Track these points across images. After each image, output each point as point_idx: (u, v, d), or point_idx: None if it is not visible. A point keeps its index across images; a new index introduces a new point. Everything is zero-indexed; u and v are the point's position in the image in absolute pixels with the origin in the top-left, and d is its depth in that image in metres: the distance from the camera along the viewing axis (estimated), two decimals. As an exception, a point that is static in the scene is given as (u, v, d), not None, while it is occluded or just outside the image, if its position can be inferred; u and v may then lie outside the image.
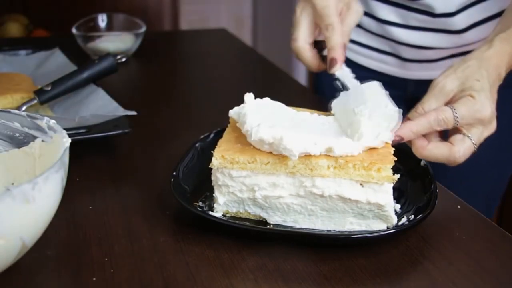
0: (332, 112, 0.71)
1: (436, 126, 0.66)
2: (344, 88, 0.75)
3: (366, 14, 1.00)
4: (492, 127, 0.68)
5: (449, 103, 0.68)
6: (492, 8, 0.92)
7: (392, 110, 0.69)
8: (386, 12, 0.98)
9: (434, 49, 0.97)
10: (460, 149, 0.66)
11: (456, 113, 0.66)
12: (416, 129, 0.66)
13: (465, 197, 0.72)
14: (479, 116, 0.66)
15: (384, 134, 0.64)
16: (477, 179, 1.01)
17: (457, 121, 0.66)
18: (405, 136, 0.66)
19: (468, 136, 0.67)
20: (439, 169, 0.71)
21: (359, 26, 1.03)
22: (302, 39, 0.79)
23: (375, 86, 0.75)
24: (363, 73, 1.04)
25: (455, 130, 0.68)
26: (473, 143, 0.67)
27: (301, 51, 0.79)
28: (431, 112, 0.67)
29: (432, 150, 0.66)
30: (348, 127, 0.66)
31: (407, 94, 1.05)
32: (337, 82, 0.77)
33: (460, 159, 0.66)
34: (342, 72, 0.77)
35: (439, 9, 0.91)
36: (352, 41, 1.05)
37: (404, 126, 0.66)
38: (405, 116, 0.69)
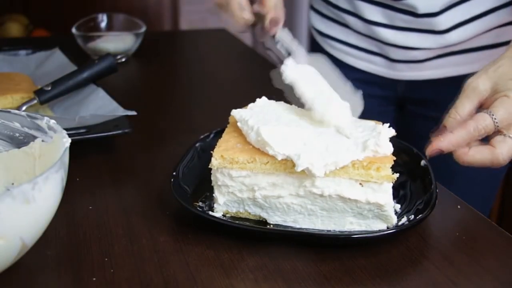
0: (277, 84, 0.70)
1: (477, 135, 0.65)
2: (289, 53, 0.72)
3: (353, 14, 1.00)
4: None
5: (483, 104, 0.66)
6: (476, 9, 0.90)
7: (353, 93, 0.69)
8: (372, 12, 0.97)
9: (420, 50, 0.97)
10: (503, 151, 0.64)
11: (495, 118, 0.64)
12: (456, 141, 0.64)
13: (462, 197, 0.71)
14: None
15: (384, 145, 0.62)
16: (473, 179, 1.00)
17: (497, 125, 0.64)
18: (446, 149, 0.64)
19: (509, 136, 0.64)
20: (438, 170, 0.70)
21: (346, 26, 1.03)
22: None
23: (322, 59, 0.73)
24: (352, 74, 1.03)
25: (496, 132, 0.65)
26: (496, 124, 0.64)
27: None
28: (470, 122, 0.65)
29: (475, 156, 0.65)
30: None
31: (397, 94, 1.05)
32: (278, 46, 0.72)
33: (504, 161, 0.64)
34: (283, 35, 0.73)
35: (422, 9, 0.91)
36: (340, 41, 1.05)
37: (445, 139, 0.64)
38: (438, 124, 0.67)
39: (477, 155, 0.65)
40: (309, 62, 0.71)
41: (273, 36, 0.72)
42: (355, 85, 1.03)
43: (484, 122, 0.64)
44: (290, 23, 2.65)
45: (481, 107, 0.67)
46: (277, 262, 0.59)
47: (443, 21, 0.91)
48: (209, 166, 0.63)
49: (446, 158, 0.90)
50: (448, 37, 0.93)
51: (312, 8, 1.11)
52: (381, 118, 0.71)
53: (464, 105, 0.67)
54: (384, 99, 1.06)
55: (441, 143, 0.64)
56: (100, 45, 1.25)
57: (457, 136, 0.64)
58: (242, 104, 0.72)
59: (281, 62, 0.70)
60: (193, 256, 0.59)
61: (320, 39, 1.11)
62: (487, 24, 0.92)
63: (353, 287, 0.56)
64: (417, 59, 0.98)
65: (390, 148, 0.62)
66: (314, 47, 1.13)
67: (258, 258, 0.59)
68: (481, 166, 0.65)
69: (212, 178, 0.65)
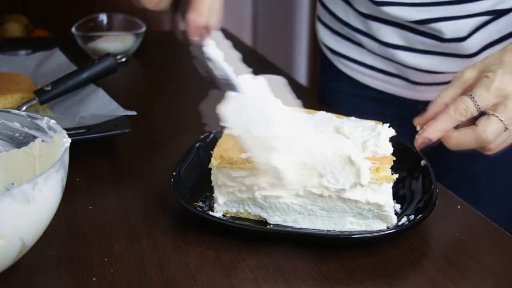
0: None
1: (459, 117, 0.64)
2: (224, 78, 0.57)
3: (366, 34, 0.93)
4: None
5: (466, 91, 0.66)
6: (505, 28, 0.85)
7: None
8: (389, 34, 0.90)
9: (445, 73, 0.90)
10: (486, 129, 0.63)
11: (473, 97, 0.63)
12: (441, 127, 0.64)
13: (485, 212, 0.69)
14: (501, 93, 0.64)
15: (383, 146, 0.62)
16: (497, 194, 0.96)
17: (478, 105, 0.63)
18: (432, 137, 0.64)
19: (493, 114, 0.63)
20: (462, 189, 0.69)
21: (361, 45, 0.96)
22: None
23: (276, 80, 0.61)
24: (368, 93, 0.99)
25: (482, 113, 0.65)
26: (501, 120, 0.63)
27: None
28: (450, 105, 0.65)
29: (458, 138, 0.64)
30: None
31: (418, 114, 1.01)
32: (207, 62, 0.56)
33: (489, 139, 0.63)
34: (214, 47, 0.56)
35: (448, 34, 0.84)
36: (355, 61, 0.99)
37: (429, 127, 0.64)
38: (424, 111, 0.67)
39: (460, 136, 0.64)
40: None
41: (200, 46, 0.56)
42: (372, 105, 0.99)
43: (464, 103, 0.64)
44: (289, 33, 2.64)
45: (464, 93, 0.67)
46: (277, 262, 0.59)
47: (471, 44, 0.85)
48: (209, 166, 0.63)
49: (468, 176, 0.88)
50: (476, 59, 0.85)
51: (320, 20, 1.04)
52: (398, 137, 0.68)
53: (447, 91, 0.67)
54: (403, 119, 1.01)
55: (425, 132, 0.64)
56: (100, 45, 1.25)
57: (440, 121, 0.65)
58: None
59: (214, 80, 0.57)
60: (193, 256, 0.59)
61: (332, 56, 1.03)
62: None
63: (353, 287, 0.56)
64: (441, 82, 0.91)
65: (389, 149, 0.62)
66: (326, 64, 1.06)
67: (258, 258, 0.59)
68: (468, 147, 0.65)
69: (212, 178, 0.65)
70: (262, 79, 0.60)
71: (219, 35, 0.54)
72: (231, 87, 0.54)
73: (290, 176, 0.56)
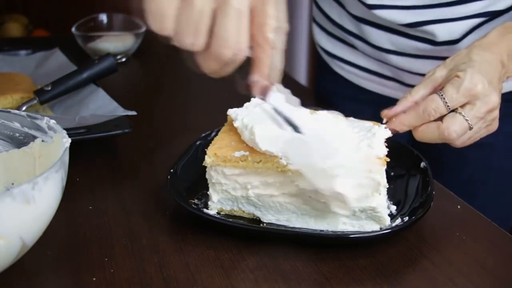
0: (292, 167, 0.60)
1: (427, 117, 0.66)
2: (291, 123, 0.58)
3: (360, 38, 0.93)
4: (491, 101, 0.66)
5: (436, 89, 0.68)
6: None
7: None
8: (381, 38, 0.89)
9: None
10: (449, 127, 0.65)
11: (444, 97, 0.65)
12: (408, 122, 0.67)
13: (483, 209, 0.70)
14: (470, 93, 0.65)
15: (377, 147, 0.62)
16: (496, 192, 0.96)
17: (448, 105, 0.65)
18: (399, 129, 0.67)
19: (460, 113, 0.66)
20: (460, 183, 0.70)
21: (355, 48, 0.96)
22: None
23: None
24: (364, 95, 1.00)
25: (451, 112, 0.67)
26: (466, 119, 0.65)
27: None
28: (421, 103, 0.67)
29: (423, 131, 0.67)
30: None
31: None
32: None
33: (452, 137, 0.66)
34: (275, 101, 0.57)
35: (441, 37, 0.83)
36: (349, 63, 0.99)
37: (397, 119, 0.67)
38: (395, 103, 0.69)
39: (425, 129, 0.67)
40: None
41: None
42: (367, 107, 1.00)
43: (434, 103, 0.66)
44: (289, 33, 2.64)
45: (434, 91, 0.68)
46: (277, 262, 0.59)
47: (464, 47, 0.83)
48: (203, 164, 0.64)
49: (469, 171, 0.89)
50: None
51: (315, 21, 1.04)
52: (395, 137, 0.69)
53: (418, 89, 0.69)
54: None
55: (393, 124, 0.67)
56: (100, 45, 1.25)
57: (408, 116, 0.67)
58: (242, 104, 0.72)
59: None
60: (193, 256, 0.59)
61: (327, 58, 1.03)
62: None
63: (353, 287, 0.56)
64: None
65: (383, 150, 0.62)
66: (322, 66, 1.06)
67: (258, 258, 0.59)
68: (433, 141, 0.67)
69: (206, 176, 0.65)
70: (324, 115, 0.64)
71: (280, 87, 0.56)
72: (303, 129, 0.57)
73: (352, 198, 0.58)
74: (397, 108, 0.69)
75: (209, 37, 0.48)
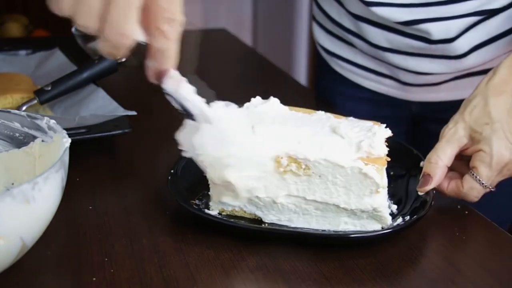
0: None
1: (464, 197, 0.67)
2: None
3: (357, 35, 0.93)
4: None
5: (463, 151, 0.67)
6: (494, 30, 0.84)
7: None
8: (377, 36, 0.89)
9: (435, 74, 0.90)
10: (468, 193, 0.66)
11: (480, 180, 0.65)
12: (447, 196, 0.67)
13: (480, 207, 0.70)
14: (500, 165, 0.65)
15: (377, 147, 0.62)
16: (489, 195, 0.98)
17: (483, 183, 0.65)
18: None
19: (479, 181, 0.65)
20: None
21: (353, 46, 0.96)
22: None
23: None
24: (361, 94, 1.00)
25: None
26: (485, 186, 0.66)
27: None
28: (461, 191, 0.66)
29: (446, 187, 0.67)
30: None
31: (412, 113, 1.00)
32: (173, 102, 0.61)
33: (469, 200, 0.67)
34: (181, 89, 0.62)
35: (436, 35, 0.84)
36: (348, 61, 0.99)
37: (433, 185, 0.66)
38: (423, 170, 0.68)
39: (449, 188, 0.67)
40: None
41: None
42: (366, 106, 1.00)
43: (475, 191, 0.66)
44: (289, 33, 2.64)
45: (461, 153, 0.68)
46: (277, 262, 0.59)
47: (460, 45, 0.84)
48: None
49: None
50: (465, 61, 0.86)
51: (315, 20, 1.04)
52: (395, 137, 0.69)
53: (445, 150, 0.67)
54: (397, 119, 0.98)
55: (428, 187, 0.66)
56: (100, 45, 1.25)
57: (447, 194, 0.67)
58: (242, 104, 0.72)
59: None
60: (193, 256, 0.59)
61: (327, 57, 1.04)
62: (506, 45, 0.85)
63: (353, 287, 0.56)
64: (432, 83, 0.92)
65: (384, 150, 0.62)
66: (322, 65, 1.06)
67: (258, 258, 0.59)
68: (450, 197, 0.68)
69: (207, 176, 0.65)
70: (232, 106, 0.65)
71: (176, 74, 0.59)
72: (199, 117, 0.61)
73: (240, 188, 0.61)
74: (435, 180, 0.66)
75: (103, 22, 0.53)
